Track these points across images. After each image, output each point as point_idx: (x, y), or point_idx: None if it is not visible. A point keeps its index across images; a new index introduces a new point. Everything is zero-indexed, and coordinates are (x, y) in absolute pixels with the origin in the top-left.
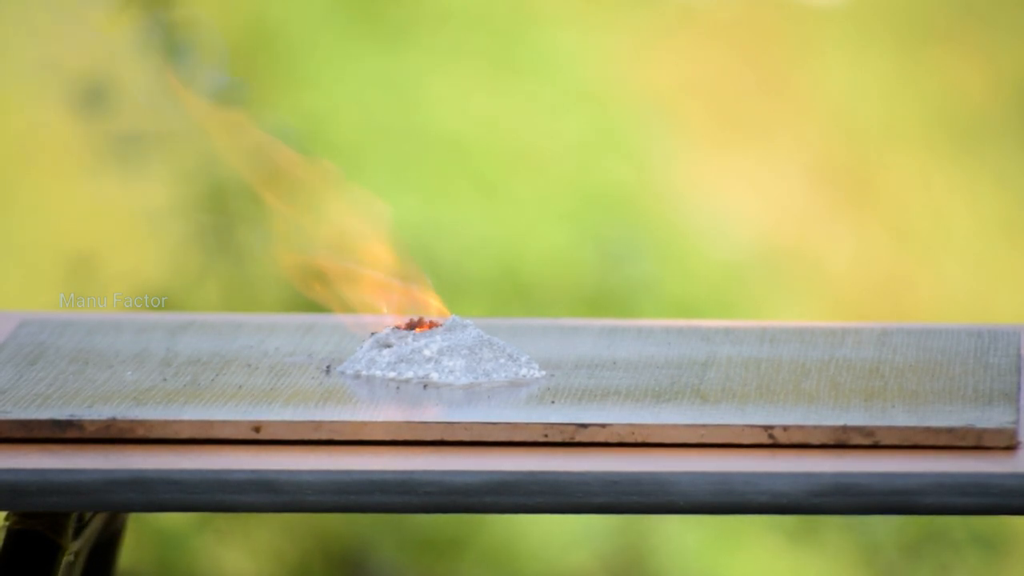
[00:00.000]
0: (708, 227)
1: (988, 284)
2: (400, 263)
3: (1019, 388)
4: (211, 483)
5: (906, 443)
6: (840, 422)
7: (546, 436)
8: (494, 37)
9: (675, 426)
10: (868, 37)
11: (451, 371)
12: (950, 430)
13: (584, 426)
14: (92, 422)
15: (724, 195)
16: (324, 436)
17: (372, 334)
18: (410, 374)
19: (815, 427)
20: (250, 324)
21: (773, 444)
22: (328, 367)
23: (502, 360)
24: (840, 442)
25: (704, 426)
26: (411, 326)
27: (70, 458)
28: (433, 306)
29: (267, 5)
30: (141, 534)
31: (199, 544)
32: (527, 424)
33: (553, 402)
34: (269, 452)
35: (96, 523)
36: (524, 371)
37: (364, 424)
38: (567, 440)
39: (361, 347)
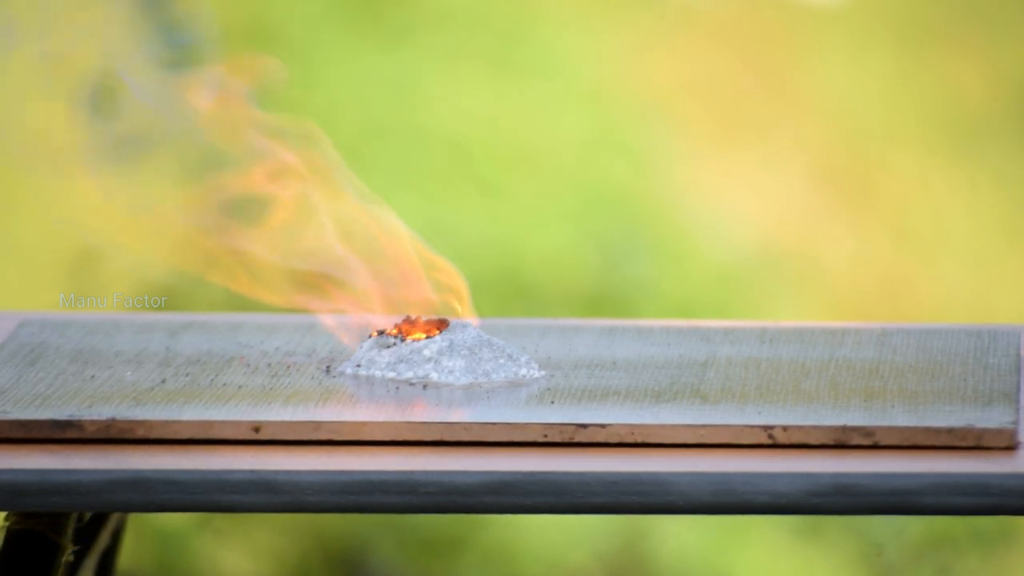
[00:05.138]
0: (708, 227)
1: (988, 284)
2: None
3: (1019, 388)
4: (211, 483)
5: (906, 443)
6: (840, 422)
7: (545, 436)
8: (494, 37)
9: (675, 426)
10: (868, 37)
11: (451, 371)
12: (950, 430)
13: (584, 426)
14: (92, 422)
15: (724, 195)
16: (324, 436)
17: (372, 335)
18: (410, 374)
19: (815, 427)
20: (250, 324)
21: (773, 444)
22: (328, 367)
23: (502, 360)
24: (840, 442)
25: (704, 426)
26: (410, 326)
27: (70, 458)
28: (461, 309)
29: (267, 5)
30: (141, 534)
31: (199, 544)
32: (526, 424)
33: (553, 402)
34: (269, 452)
35: (96, 523)
36: (524, 371)
37: (364, 424)
38: (567, 440)
39: (361, 347)
